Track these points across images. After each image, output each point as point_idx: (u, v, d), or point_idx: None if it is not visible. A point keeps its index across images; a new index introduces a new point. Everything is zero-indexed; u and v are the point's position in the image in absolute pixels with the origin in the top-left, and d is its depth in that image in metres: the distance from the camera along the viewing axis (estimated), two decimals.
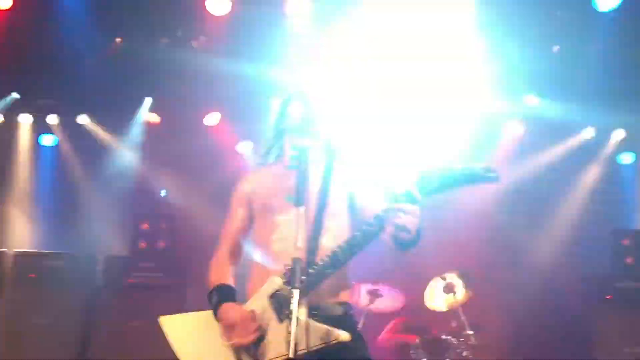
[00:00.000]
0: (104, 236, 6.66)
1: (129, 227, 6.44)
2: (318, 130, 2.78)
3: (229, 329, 2.54)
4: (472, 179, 2.26)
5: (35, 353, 5.67)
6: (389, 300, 6.05)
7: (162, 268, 6.14)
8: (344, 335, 2.34)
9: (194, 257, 6.27)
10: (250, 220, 2.86)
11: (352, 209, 2.74)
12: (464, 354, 5.49)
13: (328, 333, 2.35)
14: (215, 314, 2.61)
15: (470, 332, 5.59)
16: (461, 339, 5.57)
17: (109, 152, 7.28)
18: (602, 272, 6.17)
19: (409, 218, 2.25)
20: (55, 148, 7.41)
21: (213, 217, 6.88)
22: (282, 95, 2.97)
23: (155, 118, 7.40)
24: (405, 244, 2.39)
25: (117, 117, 7.25)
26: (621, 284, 5.91)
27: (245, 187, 2.92)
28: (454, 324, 5.80)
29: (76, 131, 7.31)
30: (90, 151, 7.26)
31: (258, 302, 2.55)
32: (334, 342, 2.34)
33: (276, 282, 2.51)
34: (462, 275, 5.87)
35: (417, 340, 5.66)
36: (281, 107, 2.91)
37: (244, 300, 2.65)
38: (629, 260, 6.08)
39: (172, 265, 6.19)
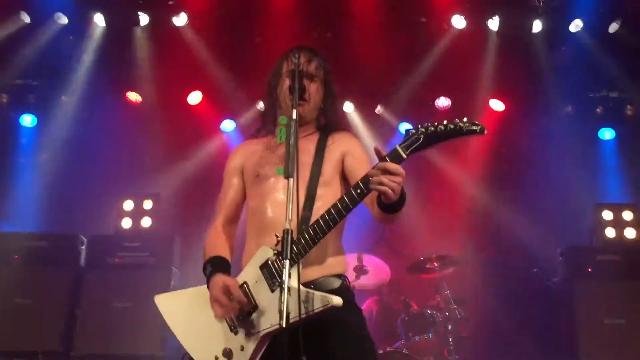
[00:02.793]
0: (88, 216, 6.59)
1: (113, 207, 6.38)
2: (312, 98, 2.77)
3: (212, 302, 2.56)
4: (457, 132, 2.25)
5: (19, 333, 5.62)
6: (374, 276, 6.09)
7: (147, 247, 6.06)
8: (336, 300, 2.33)
9: (179, 235, 6.30)
10: (243, 189, 2.86)
11: (346, 177, 2.74)
12: (449, 327, 5.57)
13: (320, 300, 2.34)
14: (208, 286, 2.62)
15: (454, 306, 5.67)
16: (446, 313, 5.65)
17: (90, 131, 7.18)
18: (584, 246, 6.28)
19: (393, 177, 2.24)
20: (36, 128, 7.31)
21: (197, 196, 6.99)
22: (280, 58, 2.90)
23: (136, 97, 7.32)
24: (389, 207, 2.36)
25: (99, 95, 7.15)
26: (602, 256, 6.01)
27: (238, 156, 2.92)
28: (438, 299, 5.87)
29: (57, 110, 7.20)
30: (72, 130, 7.16)
31: (250, 273, 2.55)
32: (326, 308, 2.33)
33: (267, 253, 2.51)
34: (441, 259, 5.92)
35: (403, 316, 5.73)
36: (275, 70, 2.89)
37: (240, 271, 2.65)
38: (609, 233, 6.19)
39: (157, 244, 6.12)
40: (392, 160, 2.27)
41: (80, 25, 6.69)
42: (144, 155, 7.15)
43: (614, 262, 5.96)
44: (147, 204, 6.35)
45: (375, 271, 6.08)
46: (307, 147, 2.75)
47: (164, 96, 7.30)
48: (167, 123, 7.21)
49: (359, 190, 2.37)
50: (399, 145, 2.31)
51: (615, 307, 5.75)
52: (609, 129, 7.38)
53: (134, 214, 6.32)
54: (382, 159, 2.29)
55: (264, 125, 2.93)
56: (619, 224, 6.25)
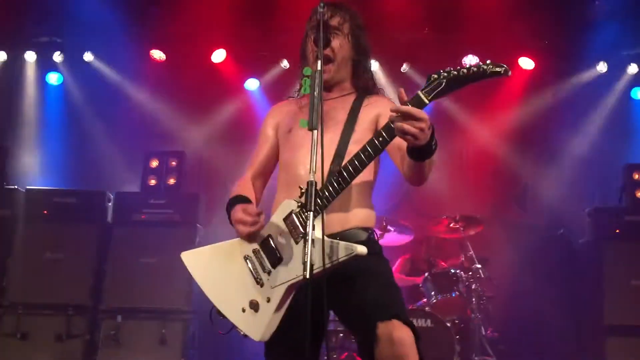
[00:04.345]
0: (114, 173, 6.67)
1: (139, 164, 6.44)
2: (336, 54, 2.75)
3: (236, 224, 2.59)
4: (480, 75, 2.21)
5: (50, 287, 5.77)
6: (398, 234, 6.09)
7: (172, 204, 6.13)
8: (360, 249, 2.32)
9: (204, 193, 6.36)
10: (276, 146, 2.88)
11: None
12: (472, 286, 5.58)
13: (344, 249, 2.33)
14: (230, 222, 2.65)
15: (479, 266, 5.67)
16: (469, 273, 5.66)
17: (116, 89, 7.21)
18: (612, 206, 6.18)
19: (415, 122, 2.20)
20: (62, 86, 7.36)
21: (221, 154, 7.02)
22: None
23: (160, 55, 7.30)
24: (418, 152, 2.32)
25: (123, 54, 7.16)
26: (630, 217, 5.91)
27: (274, 115, 2.95)
28: (462, 258, 5.88)
29: (82, 69, 7.24)
30: (97, 88, 7.21)
31: (274, 226, 2.56)
32: (350, 257, 2.32)
33: (290, 205, 2.51)
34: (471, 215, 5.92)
35: (426, 275, 5.74)
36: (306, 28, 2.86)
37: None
38: (639, 194, 6.07)
39: (182, 201, 6.18)
40: (414, 106, 2.24)
41: None
42: (169, 114, 7.18)
43: None
44: (172, 162, 6.39)
45: (399, 231, 6.07)
46: (343, 105, 2.75)
47: (187, 54, 7.26)
48: (191, 81, 7.19)
49: (381, 138, 2.35)
50: (421, 90, 2.29)
51: None
52: None
53: (160, 172, 6.36)
54: (404, 104, 2.25)
55: (301, 86, 2.90)
56: None
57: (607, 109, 7.07)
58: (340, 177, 2.42)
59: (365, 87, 2.84)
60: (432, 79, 2.27)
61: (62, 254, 5.88)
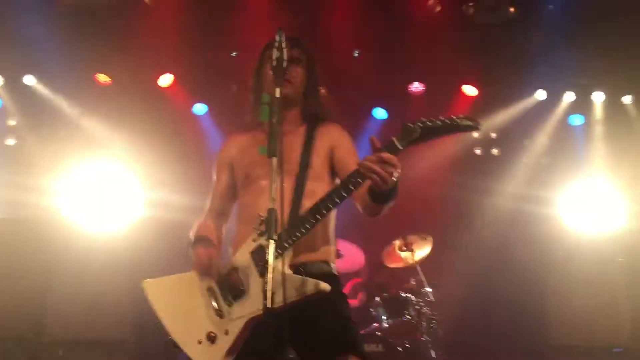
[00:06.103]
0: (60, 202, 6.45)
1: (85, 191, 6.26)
2: (296, 80, 2.79)
3: (198, 269, 2.59)
4: (452, 128, 2.28)
5: None
6: (349, 261, 6.10)
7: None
8: (323, 286, 2.34)
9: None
10: (234, 184, 2.85)
11: (335, 171, 2.75)
12: (423, 310, 5.63)
13: (306, 284, 2.34)
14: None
15: (429, 289, 5.73)
16: (420, 296, 5.71)
17: (59, 113, 7.00)
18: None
19: (387, 168, 2.24)
20: (2, 110, 7.08)
21: (168, 178, 6.86)
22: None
23: (105, 79, 7.14)
24: (381, 196, 2.36)
25: (66, 77, 6.97)
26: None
27: (227, 151, 2.91)
28: (412, 282, 5.93)
29: (23, 92, 7.00)
30: (39, 113, 6.97)
31: (240, 259, 2.56)
32: (313, 293, 2.33)
33: (258, 239, 2.51)
34: (421, 237, 5.99)
35: (377, 299, 5.76)
36: (262, 54, 2.87)
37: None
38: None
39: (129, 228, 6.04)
40: (388, 151, 2.28)
41: (47, 3, 6.48)
42: (115, 138, 7.00)
43: None
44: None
45: (350, 255, 6.09)
46: (296, 139, 2.75)
47: (134, 78, 7.14)
48: (138, 105, 7.06)
49: (353, 180, 2.37)
50: (395, 137, 2.32)
51: (584, 288, 5.85)
52: (579, 115, 7.47)
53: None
54: (377, 149, 2.28)
55: (253, 117, 2.90)
56: None
57: (546, 135, 7.33)
58: (309, 217, 2.44)
59: (314, 113, 2.86)
60: (407, 127, 2.31)
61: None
